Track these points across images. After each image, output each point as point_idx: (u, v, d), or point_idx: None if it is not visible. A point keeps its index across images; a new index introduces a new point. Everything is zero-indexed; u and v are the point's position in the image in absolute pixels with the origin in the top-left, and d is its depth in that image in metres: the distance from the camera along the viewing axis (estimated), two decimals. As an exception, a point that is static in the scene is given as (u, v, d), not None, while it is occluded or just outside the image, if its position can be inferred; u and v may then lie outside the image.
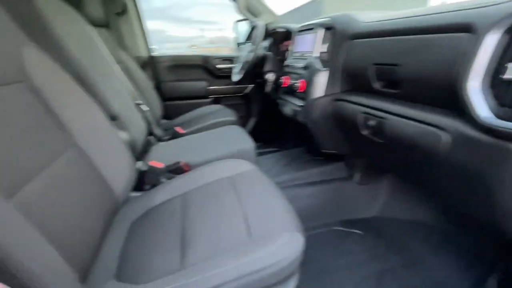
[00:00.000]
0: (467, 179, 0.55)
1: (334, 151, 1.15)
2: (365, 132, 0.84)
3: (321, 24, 1.03)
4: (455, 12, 0.56)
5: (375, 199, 1.21)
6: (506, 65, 0.44)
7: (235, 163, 0.86)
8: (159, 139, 1.28)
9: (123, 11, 1.57)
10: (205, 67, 1.93)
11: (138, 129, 1.05)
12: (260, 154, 1.50)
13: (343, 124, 0.97)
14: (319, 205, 1.20)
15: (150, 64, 1.80)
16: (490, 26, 0.46)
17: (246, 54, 1.47)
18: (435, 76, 0.58)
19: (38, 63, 0.64)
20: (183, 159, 0.98)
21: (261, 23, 1.38)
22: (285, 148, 1.62)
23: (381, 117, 0.75)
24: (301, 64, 1.12)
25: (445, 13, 0.59)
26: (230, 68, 1.85)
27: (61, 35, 0.77)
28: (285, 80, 1.25)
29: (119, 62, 1.43)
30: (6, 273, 0.35)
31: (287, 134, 1.86)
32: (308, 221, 0.96)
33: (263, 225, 0.58)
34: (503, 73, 0.44)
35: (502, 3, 0.47)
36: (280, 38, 1.47)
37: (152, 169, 0.91)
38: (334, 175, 1.26)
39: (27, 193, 0.47)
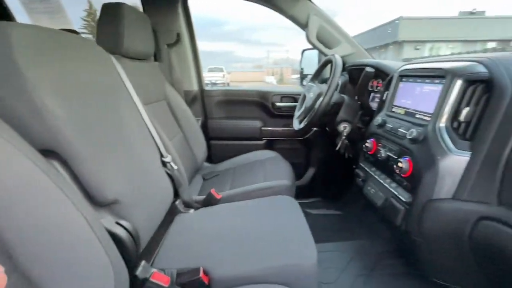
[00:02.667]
0: None
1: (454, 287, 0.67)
2: None
3: (460, 72, 0.59)
4: None
5: None
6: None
7: None
8: (188, 205, 0.98)
9: (175, 42, 1.38)
10: (261, 103, 1.62)
11: (151, 208, 0.75)
12: (316, 217, 1.39)
13: (496, 260, 0.51)
14: None
15: (199, 99, 1.57)
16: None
17: (313, 97, 1.10)
18: None
19: None
20: (205, 263, 0.64)
21: (337, 58, 0.99)
22: (350, 211, 1.37)
23: None
24: (405, 128, 0.69)
25: None
26: (291, 108, 1.50)
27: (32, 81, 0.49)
28: (373, 145, 0.83)
29: (163, 98, 1.22)
30: None
31: (354, 194, 1.41)
32: None
33: None
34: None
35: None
36: (361, 77, 1.07)
37: (151, 286, 0.59)
38: None
39: None
